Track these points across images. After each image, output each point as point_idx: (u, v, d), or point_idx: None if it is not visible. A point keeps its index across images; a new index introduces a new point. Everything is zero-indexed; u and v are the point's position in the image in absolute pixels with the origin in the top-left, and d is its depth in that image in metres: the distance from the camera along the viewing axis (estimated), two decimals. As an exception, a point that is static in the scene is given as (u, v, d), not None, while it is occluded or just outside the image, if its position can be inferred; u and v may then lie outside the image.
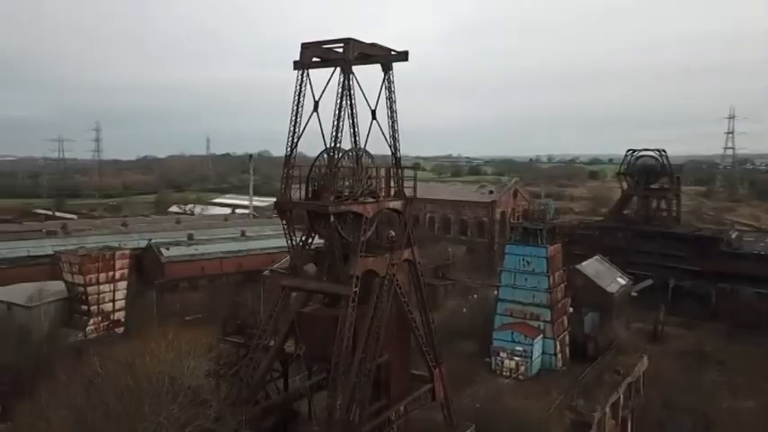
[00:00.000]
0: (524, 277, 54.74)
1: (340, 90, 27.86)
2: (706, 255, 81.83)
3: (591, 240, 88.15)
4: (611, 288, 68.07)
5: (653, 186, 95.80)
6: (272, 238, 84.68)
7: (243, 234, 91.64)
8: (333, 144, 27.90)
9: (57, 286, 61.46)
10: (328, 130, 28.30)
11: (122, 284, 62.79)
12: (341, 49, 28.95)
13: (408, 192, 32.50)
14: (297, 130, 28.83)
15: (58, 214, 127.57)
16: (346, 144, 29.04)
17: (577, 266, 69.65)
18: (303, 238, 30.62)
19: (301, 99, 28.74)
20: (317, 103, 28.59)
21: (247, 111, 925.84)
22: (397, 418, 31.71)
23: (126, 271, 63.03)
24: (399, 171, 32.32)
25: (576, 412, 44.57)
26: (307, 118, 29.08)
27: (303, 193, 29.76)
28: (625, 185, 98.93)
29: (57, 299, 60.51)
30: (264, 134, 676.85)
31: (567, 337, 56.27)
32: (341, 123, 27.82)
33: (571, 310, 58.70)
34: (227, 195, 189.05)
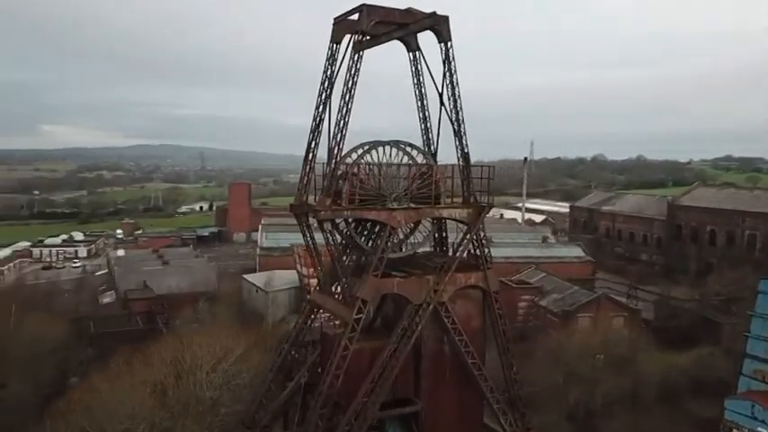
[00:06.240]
0: (785, 329, 37.56)
1: (350, 70, 22.75)
2: None
3: None
4: None
5: None
6: (518, 247, 78.22)
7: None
8: (337, 137, 23.04)
9: (292, 275, 67.71)
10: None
11: (344, 279, 65.35)
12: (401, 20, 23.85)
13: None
14: (321, 121, 24.72)
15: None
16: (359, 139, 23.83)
17: None
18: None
19: (328, 83, 24.51)
20: (332, 85, 23.88)
21: (584, 113, 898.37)
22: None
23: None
24: (467, 171, 25.19)
25: None
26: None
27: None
28: None
29: (290, 287, 66.64)
30: (597, 137, 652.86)
31: None
32: (348, 111, 22.76)
33: None
34: (534, 200, 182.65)
